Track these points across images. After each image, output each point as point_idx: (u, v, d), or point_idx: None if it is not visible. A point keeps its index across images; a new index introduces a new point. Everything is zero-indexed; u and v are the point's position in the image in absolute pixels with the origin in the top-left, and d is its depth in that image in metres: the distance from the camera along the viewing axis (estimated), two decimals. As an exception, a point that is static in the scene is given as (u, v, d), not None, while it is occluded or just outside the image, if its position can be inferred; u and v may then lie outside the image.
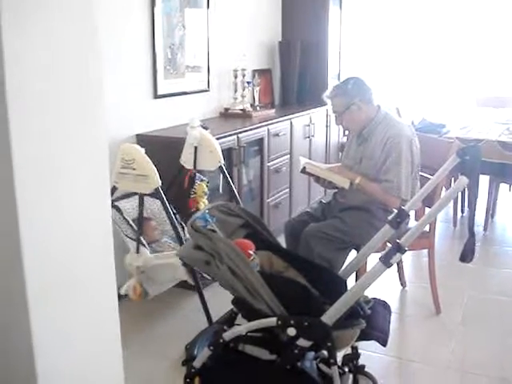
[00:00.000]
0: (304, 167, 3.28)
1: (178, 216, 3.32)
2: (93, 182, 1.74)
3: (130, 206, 3.28)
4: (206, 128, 3.37)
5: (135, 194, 3.22)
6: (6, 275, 1.59)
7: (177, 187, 3.36)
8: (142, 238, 3.10)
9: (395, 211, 2.43)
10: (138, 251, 3.04)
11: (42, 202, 1.57)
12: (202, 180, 3.32)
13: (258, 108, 4.78)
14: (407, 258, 4.21)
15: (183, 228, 3.18)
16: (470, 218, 2.18)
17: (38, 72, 1.52)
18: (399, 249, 1.97)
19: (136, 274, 3.03)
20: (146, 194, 3.07)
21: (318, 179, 3.32)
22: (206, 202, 3.31)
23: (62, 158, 1.62)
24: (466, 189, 2.06)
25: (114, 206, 3.14)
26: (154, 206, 3.37)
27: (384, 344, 2.21)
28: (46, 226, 1.59)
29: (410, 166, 3.11)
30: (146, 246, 3.13)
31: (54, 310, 1.66)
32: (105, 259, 1.84)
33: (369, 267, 3.07)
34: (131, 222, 3.16)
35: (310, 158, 4.70)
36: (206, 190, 3.32)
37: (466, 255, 2.12)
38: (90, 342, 1.82)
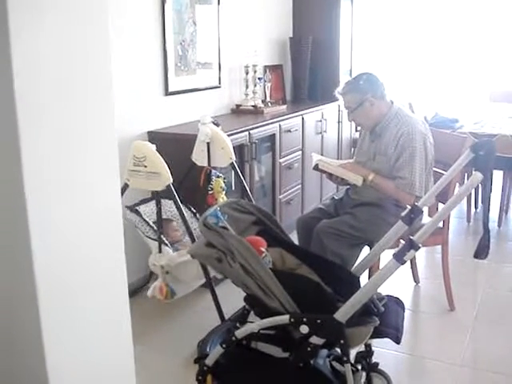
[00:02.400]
0: (317, 164, 3.26)
1: (198, 215, 3.33)
2: (103, 180, 1.73)
3: (149, 210, 3.30)
4: (217, 124, 3.36)
5: (153, 198, 3.24)
6: (16, 273, 1.59)
7: (188, 184, 3.36)
8: (163, 238, 3.09)
9: (408, 207, 2.41)
10: (160, 250, 3.04)
11: (51, 200, 1.57)
12: (218, 176, 3.31)
13: (269, 104, 4.76)
14: (421, 254, 4.18)
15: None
16: (484, 214, 2.15)
17: (47, 71, 1.51)
18: (413, 246, 1.95)
19: (161, 274, 3.02)
20: (158, 192, 3.07)
21: (330, 176, 3.30)
22: (225, 197, 3.30)
23: (71, 156, 1.61)
24: (480, 184, 2.03)
25: (133, 211, 3.16)
26: (173, 208, 3.37)
27: (398, 341, 2.19)
28: (56, 223, 1.59)
29: (423, 163, 3.08)
30: (169, 245, 3.13)
31: (64, 306, 1.66)
32: (116, 256, 1.83)
33: (382, 264, 3.05)
34: (151, 224, 3.16)
35: (322, 154, 4.70)
36: (223, 185, 3.31)
37: (481, 252, 2.09)
38: (100, 338, 1.81)
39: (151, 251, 3.10)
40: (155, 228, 3.13)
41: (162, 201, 3.17)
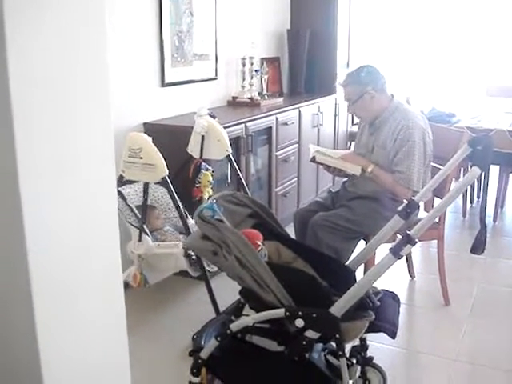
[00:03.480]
0: (314, 156, 3.24)
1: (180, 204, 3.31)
2: (98, 172, 1.72)
3: (133, 192, 3.25)
4: (213, 116, 3.35)
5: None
6: (10, 265, 1.58)
7: (184, 176, 3.34)
8: (144, 227, 3.08)
9: (405, 202, 2.40)
10: (140, 239, 3.03)
11: (46, 193, 1.55)
12: (207, 169, 3.30)
13: (266, 96, 4.74)
14: (416, 248, 4.16)
15: (187, 216, 3.16)
16: (481, 209, 2.14)
17: (43, 60, 1.49)
18: (409, 240, 1.94)
19: (137, 262, 3.02)
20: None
21: (328, 167, 3.29)
22: (211, 191, 3.30)
23: (66, 147, 1.59)
24: (476, 179, 2.03)
25: (118, 193, 3.11)
26: (158, 193, 3.35)
27: (393, 336, 2.19)
28: (51, 216, 1.57)
29: (422, 157, 3.07)
30: (149, 234, 3.11)
31: (58, 298, 1.64)
32: (111, 248, 1.82)
33: (377, 258, 3.05)
34: (135, 210, 3.13)
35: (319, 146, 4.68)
36: (210, 179, 3.30)
37: (478, 247, 2.09)
38: (95, 330, 1.80)
39: (131, 237, 3.08)
40: (138, 215, 3.11)
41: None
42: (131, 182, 3.25)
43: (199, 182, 3.28)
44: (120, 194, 3.11)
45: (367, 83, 3.13)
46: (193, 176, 3.29)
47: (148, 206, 3.20)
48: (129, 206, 3.12)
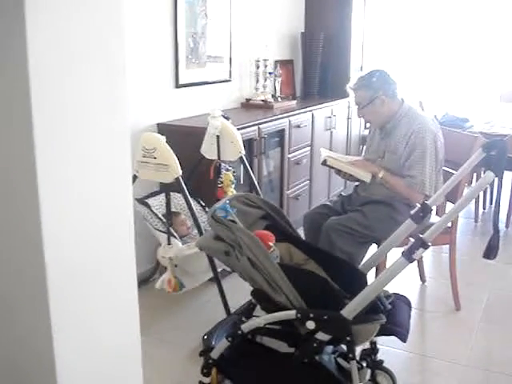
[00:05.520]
0: (325, 160, 3.25)
1: (207, 208, 3.35)
2: (114, 171, 1.73)
3: (157, 203, 3.31)
4: (227, 118, 3.36)
5: (162, 191, 3.24)
6: (27, 264, 1.59)
7: (197, 177, 3.36)
8: (172, 230, 3.09)
9: (418, 206, 2.40)
10: (169, 242, 3.03)
11: (63, 190, 1.56)
12: (227, 169, 3.31)
13: (279, 99, 4.75)
14: (427, 253, 4.11)
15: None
16: (494, 215, 2.14)
17: (61, 61, 1.50)
18: (422, 244, 1.94)
19: (169, 267, 3.02)
20: (167, 184, 3.06)
21: (339, 172, 3.30)
22: (234, 190, 3.30)
23: (83, 146, 1.61)
24: (488, 185, 2.03)
25: (142, 203, 3.17)
26: (182, 201, 3.37)
27: (404, 340, 2.19)
28: (67, 214, 1.58)
29: (434, 162, 3.06)
30: (177, 237, 3.12)
31: (73, 297, 1.66)
32: (125, 247, 1.83)
33: (388, 262, 3.04)
34: (160, 216, 3.16)
35: (330, 150, 4.68)
36: (232, 179, 3.31)
37: (490, 252, 2.09)
38: (108, 329, 1.81)
39: (160, 243, 3.09)
40: (164, 220, 3.13)
41: (171, 194, 3.16)
42: (155, 194, 3.35)
43: (221, 183, 3.30)
44: (145, 203, 3.15)
45: (378, 88, 3.12)
46: (214, 177, 3.31)
47: (174, 212, 3.24)
48: (154, 212, 3.14)
